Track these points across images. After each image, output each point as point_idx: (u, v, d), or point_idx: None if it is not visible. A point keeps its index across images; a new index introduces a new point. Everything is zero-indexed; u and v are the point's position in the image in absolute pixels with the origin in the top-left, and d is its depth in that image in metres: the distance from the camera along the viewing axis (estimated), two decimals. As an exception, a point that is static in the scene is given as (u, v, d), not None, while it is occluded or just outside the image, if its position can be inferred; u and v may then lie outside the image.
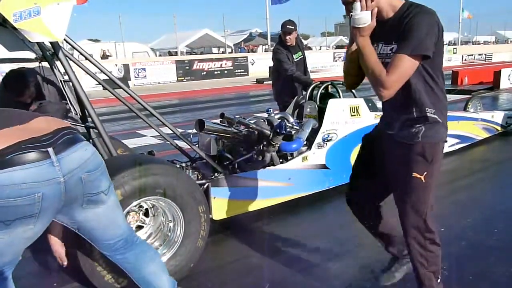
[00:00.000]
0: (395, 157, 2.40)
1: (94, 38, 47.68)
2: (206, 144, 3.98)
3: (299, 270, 3.21)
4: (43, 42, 2.93)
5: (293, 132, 4.25)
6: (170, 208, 3.01)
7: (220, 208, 3.57)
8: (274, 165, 4.07)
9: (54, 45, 2.95)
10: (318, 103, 4.78)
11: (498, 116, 7.14)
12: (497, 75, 15.65)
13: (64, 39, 2.81)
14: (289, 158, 4.25)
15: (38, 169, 1.81)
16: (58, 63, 3.18)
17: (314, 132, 4.40)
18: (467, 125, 6.45)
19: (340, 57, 32.08)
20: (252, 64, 27.96)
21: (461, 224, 3.85)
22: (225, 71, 26.58)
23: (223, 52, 36.11)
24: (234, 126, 3.96)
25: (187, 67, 25.32)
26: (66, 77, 3.18)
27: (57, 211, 2.00)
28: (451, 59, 35.21)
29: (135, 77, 23.09)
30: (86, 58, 3.35)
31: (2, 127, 1.87)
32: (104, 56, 29.16)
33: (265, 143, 3.97)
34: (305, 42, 44.24)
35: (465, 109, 7.65)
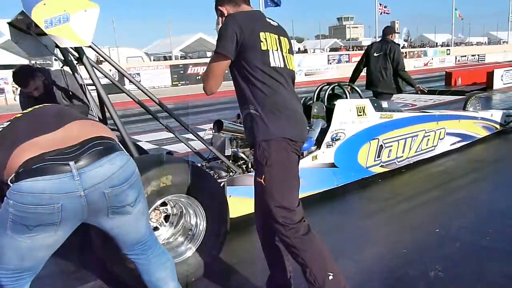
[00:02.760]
0: None
1: (87, 43, 47.53)
2: (220, 144, 4.06)
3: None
4: (68, 47, 3.03)
5: None
6: (193, 205, 3.11)
7: (235, 206, 3.64)
8: None
9: (79, 50, 3.06)
10: (326, 103, 4.88)
11: (497, 115, 7.31)
12: (490, 75, 15.83)
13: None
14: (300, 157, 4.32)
15: (58, 181, 1.85)
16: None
17: (323, 132, 4.51)
18: (468, 124, 6.58)
19: (334, 59, 32.27)
20: (247, 67, 28.05)
21: (456, 225, 3.85)
22: None
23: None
24: None
25: (182, 72, 25.35)
26: (86, 81, 3.29)
27: (81, 220, 2.04)
28: (444, 60, 35.55)
29: (130, 82, 23.04)
30: (110, 63, 3.45)
31: (31, 137, 1.94)
32: (99, 61, 29.01)
33: None
34: (299, 44, 44.49)
35: (464, 108, 7.79)
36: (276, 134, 2.33)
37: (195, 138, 3.75)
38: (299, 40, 45.19)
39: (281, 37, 2.50)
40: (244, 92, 2.41)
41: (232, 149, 4.06)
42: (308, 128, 4.38)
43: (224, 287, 3.08)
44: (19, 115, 2.19)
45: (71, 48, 3.09)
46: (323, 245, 2.43)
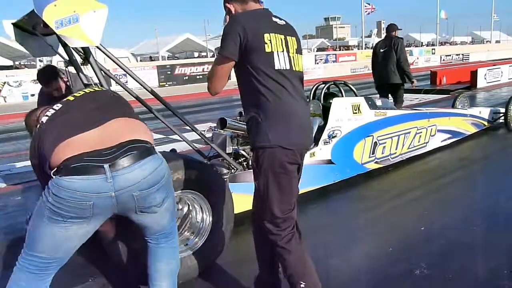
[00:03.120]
0: None
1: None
2: (221, 142, 4.15)
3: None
4: (75, 48, 3.07)
5: None
6: (199, 200, 3.21)
7: (237, 203, 3.72)
8: None
9: (86, 50, 3.11)
10: (322, 102, 4.98)
11: (485, 112, 7.53)
12: (474, 74, 16.09)
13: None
14: None
15: (92, 181, 1.98)
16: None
17: (320, 130, 4.63)
18: (458, 121, 6.75)
19: (321, 59, 32.44)
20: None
21: (441, 223, 3.90)
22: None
23: (204, 57, 36.14)
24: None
25: (169, 72, 25.28)
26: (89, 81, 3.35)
27: (111, 214, 2.17)
28: (430, 60, 35.93)
29: (116, 83, 22.81)
30: (116, 63, 3.49)
31: (71, 134, 2.06)
32: (84, 63, 28.71)
33: None
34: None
35: (453, 106, 7.98)
36: (273, 142, 2.30)
37: (195, 137, 3.81)
38: (286, 40, 45.25)
39: (288, 37, 2.43)
40: (248, 95, 2.39)
41: (233, 147, 4.15)
42: None
43: (227, 282, 3.15)
44: (72, 98, 2.32)
45: (76, 48, 3.13)
46: (304, 255, 2.46)
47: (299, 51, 2.51)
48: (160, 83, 24.42)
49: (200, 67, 26.65)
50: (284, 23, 2.50)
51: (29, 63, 33.34)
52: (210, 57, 34.56)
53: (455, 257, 3.25)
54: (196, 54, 43.56)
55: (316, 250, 3.32)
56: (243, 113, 3.87)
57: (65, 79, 3.94)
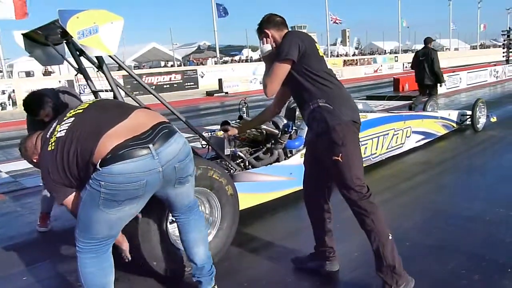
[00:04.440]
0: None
1: (35, 54, 46.04)
2: (219, 144, 4.31)
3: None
4: (88, 57, 3.40)
5: (292, 132, 4.63)
6: (208, 196, 3.45)
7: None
8: (279, 161, 4.54)
9: (99, 59, 3.31)
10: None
11: (453, 114, 7.96)
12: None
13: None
14: (289, 155, 4.70)
15: (143, 161, 2.24)
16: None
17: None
18: (430, 122, 7.11)
19: (288, 67, 32.71)
20: (202, 77, 27.97)
21: (404, 226, 3.98)
22: (175, 85, 26.35)
23: (172, 66, 36.00)
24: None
25: (135, 82, 24.97)
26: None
27: (155, 191, 2.45)
28: (393, 67, 36.86)
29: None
30: (127, 71, 3.91)
31: (109, 127, 2.30)
32: (47, 73, 27.92)
33: (273, 141, 4.52)
34: (254, 53, 44.88)
35: (424, 109, 8.30)
36: (346, 118, 2.82)
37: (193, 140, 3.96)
38: (254, 49, 45.54)
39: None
40: (311, 91, 2.87)
41: (231, 149, 4.34)
42: (295, 128, 4.69)
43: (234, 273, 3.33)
44: (81, 110, 2.50)
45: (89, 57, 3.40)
46: (382, 212, 2.90)
47: None
48: (133, 92, 24.06)
49: (167, 76, 26.50)
50: None
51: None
52: (177, 66, 34.35)
53: (418, 259, 3.34)
54: (162, 63, 43.36)
55: (286, 257, 3.46)
56: (243, 117, 4.11)
57: (51, 102, 3.85)
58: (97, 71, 3.39)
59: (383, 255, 2.82)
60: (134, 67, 37.78)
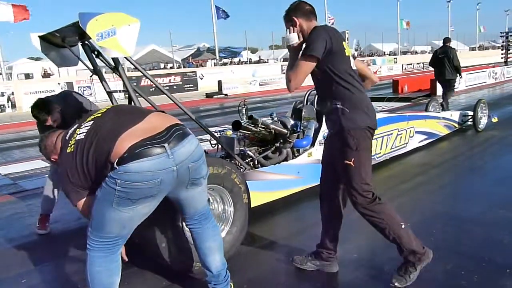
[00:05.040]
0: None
1: (35, 56, 46.04)
2: (229, 144, 4.41)
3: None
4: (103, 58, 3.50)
5: (300, 131, 4.80)
6: (221, 193, 3.53)
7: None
8: (287, 160, 4.64)
9: (115, 60, 3.40)
10: (316, 106, 5.23)
11: (455, 115, 8.06)
12: (433, 82, 16.14)
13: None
14: (296, 154, 4.80)
15: (158, 160, 2.30)
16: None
17: (316, 132, 4.95)
18: (432, 123, 7.21)
19: (288, 69, 32.76)
20: (201, 78, 27.89)
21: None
22: (174, 86, 26.22)
23: (171, 68, 35.99)
24: (258, 126, 4.50)
25: (135, 83, 24.76)
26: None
27: (168, 191, 2.49)
28: (392, 68, 36.94)
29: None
30: (143, 74, 3.96)
31: (126, 128, 2.37)
32: (46, 75, 27.97)
33: (281, 140, 4.63)
34: (253, 55, 45.01)
35: (426, 110, 8.39)
36: (362, 124, 2.85)
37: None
38: (253, 51, 45.69)
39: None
40: (333, 90, 2.87)
41: (240, 148, 4.45)
42: (303, 128, 4.78)
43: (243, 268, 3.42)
44: (99, 114, 2.59)
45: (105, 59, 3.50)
46: (391, 206, 3.02)
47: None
48: (126, 95, 23.95)
49: (167, 78, 26.43)
50: None
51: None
52: (177, 68, 34.39)
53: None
54: (162, 65, 43.36)
55: (287, 257, 3.50)
56: (253, 116, 4.22)
57: (58, 108, 3.97)
58: (115, 71, 3.49)
59: (401, 245, 2.93)
60: (133, 69, 37.69)
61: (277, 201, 4.46)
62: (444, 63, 10.43)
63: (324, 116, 3.02)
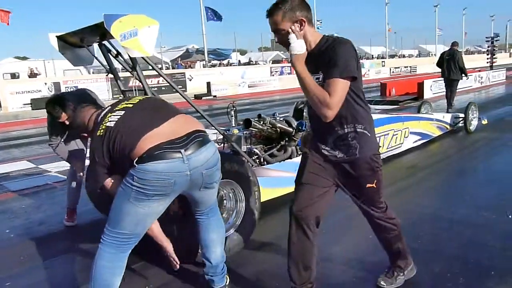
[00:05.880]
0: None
1: (21, 55, 45.74)
2: (236, 141, 4.55)
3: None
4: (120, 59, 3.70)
5: (305, 130, 4.88)
6: (234, 188, 3.72)
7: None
8: (292, 158, 4.82)
9: (133, 60, 3.54)
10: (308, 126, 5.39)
11: (447, 117, 8.34)
12: (421, 86, 16.92)
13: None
14: (299, 152, 4.93)
15: (174, 164, 2.46)
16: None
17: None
18: (426, 124, 7.45)
19: (277, 71, 32.98)
20: (190, 80, 27.84)
21: None
22: (163, 88, 25.93)
23: (160, 69, 35.75)
24: (266, 124, 4.70)
25: (123, 82, 24.73)
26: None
27: (182, 191, 2.66)
28: (380, 72, 37.22)
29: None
30: (158, 73, 4.07)
31: (150, 128, 2.52)
32: (32, 75, 27.56)
33: (287, 139, 4.82)
34: (242, 57, 45.08)
35: (418, 111, 8.63)
36: (377, 145, 2.77)
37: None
38: (242, 53, 45.79)
39: None
40: (352, 112, 2.52)
41: (247, 146, 4.62)
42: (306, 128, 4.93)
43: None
44: (131, 105, 2.73)
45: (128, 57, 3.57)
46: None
47: None
48: (114, 96, 23.58)
49: (155, 79, 26.26)
50: None
51: None
52: (166, 69, 34.30)
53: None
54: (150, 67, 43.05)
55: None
56: (261, 115, 4.32)
57: (71, 106, 4.01)
58: (133, 71, 3.64)
59: (402, 251, 3.03)
60: (121, 69, 37.39)
61: (279, 198, 4.53)
62: (450, 64, 11.63)
63: (331, 139, 2.62)
